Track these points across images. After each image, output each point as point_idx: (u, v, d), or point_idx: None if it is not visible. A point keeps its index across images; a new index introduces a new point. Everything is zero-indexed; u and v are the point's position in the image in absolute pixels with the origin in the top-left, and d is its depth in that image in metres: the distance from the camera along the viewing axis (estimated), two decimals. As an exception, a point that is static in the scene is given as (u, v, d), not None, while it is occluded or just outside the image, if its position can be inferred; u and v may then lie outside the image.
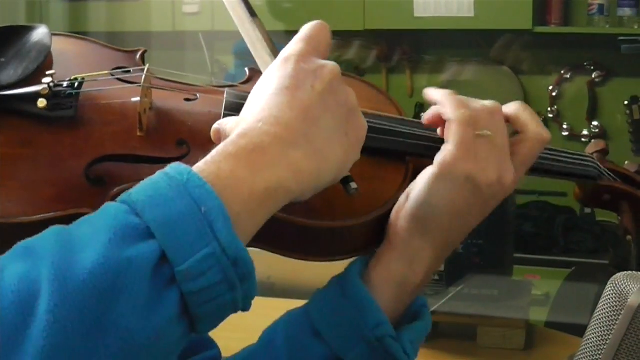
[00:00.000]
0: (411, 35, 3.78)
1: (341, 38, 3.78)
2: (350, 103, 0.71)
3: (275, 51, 0.77)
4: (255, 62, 0.80)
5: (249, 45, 0.79)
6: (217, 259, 0.57)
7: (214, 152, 0.63)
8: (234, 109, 0.80)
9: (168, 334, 0.57)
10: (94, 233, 0.57)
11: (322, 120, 0.68)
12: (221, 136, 0.73)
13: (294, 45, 0.71)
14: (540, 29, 3.50)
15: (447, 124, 0.78)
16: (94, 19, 3.95)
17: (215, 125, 0.74)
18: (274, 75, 0.69)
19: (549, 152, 0.88)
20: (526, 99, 3.66)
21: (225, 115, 0.80)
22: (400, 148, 0.84)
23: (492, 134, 0.78)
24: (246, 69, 0.89)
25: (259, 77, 0.83)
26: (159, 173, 0.61)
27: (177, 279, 0.56)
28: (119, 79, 0.85)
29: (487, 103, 0.80)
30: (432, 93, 0.82)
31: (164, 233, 0.57)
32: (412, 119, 0.87)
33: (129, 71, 0.86)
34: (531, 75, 3.66)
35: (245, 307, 0.61)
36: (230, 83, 0.88)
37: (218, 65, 3.92)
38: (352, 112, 0.70)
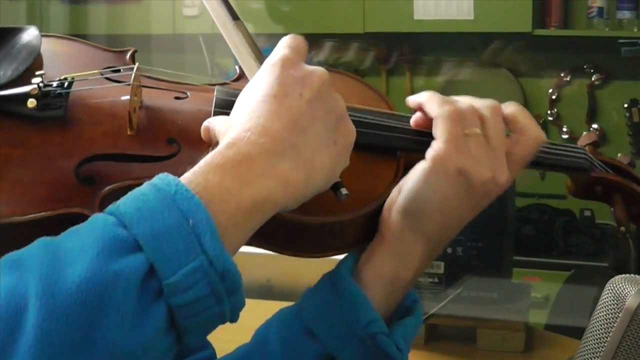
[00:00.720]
0: (411, 38, 3.77)
1: (340, 40, 3.78)
2: (339, 109, 0.71)
3: (259, 55, 0.78)
4: None
5: (232, 49, 0.79)
6: (204, 272, 0.57)
7: (202, 163, 0.63)
8: (224, 106, 0.79)
9: (155, 346, 0.57)
10: (81, 246, 0.56)
11: (311, 129, 0.67)
12: (210, 135, 0.73)
13: (280, 51, 0.71)
14: (539, 32, 3.49)
15: (433, 121, 0.79)
16: (93, 22, 3.94)
17: (205, 123, 0.74)
18: (262, 80, 0.69)
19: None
20: (526, 102, 3.65)
21: (216, 113, 0.79)
22: (391, 143, 0.84)
23: (481, 132, 0.78)
24: (236, 67, 0.88)
25: None
26: (146, 184, 0.61)
27: (164, 292, 0.56)
28: (108, 78, 0.85)
29: (484, 102, 0.81)
30: (414, 97, 0.83)
31: (152, 246, 0.56)
32: (402, 114, 0.87)
33: (118, 70, 0.86)
34: (531, 77, 3.65)
35: (233, 319, 0.61)
36: (222, 81, 0.88)
37: (218, 68, 3.91)
38: (340, 119, 0.70)
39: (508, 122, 0.82)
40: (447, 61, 3.75)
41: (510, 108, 0.83)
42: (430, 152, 0.78)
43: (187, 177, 0.61)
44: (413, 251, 0.80)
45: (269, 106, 0.67)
